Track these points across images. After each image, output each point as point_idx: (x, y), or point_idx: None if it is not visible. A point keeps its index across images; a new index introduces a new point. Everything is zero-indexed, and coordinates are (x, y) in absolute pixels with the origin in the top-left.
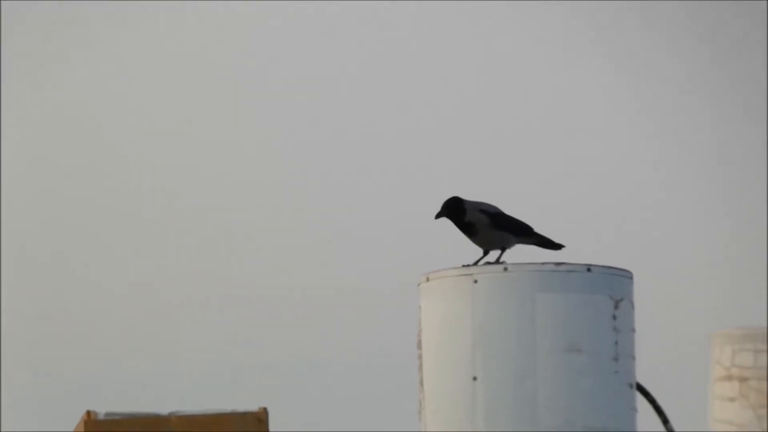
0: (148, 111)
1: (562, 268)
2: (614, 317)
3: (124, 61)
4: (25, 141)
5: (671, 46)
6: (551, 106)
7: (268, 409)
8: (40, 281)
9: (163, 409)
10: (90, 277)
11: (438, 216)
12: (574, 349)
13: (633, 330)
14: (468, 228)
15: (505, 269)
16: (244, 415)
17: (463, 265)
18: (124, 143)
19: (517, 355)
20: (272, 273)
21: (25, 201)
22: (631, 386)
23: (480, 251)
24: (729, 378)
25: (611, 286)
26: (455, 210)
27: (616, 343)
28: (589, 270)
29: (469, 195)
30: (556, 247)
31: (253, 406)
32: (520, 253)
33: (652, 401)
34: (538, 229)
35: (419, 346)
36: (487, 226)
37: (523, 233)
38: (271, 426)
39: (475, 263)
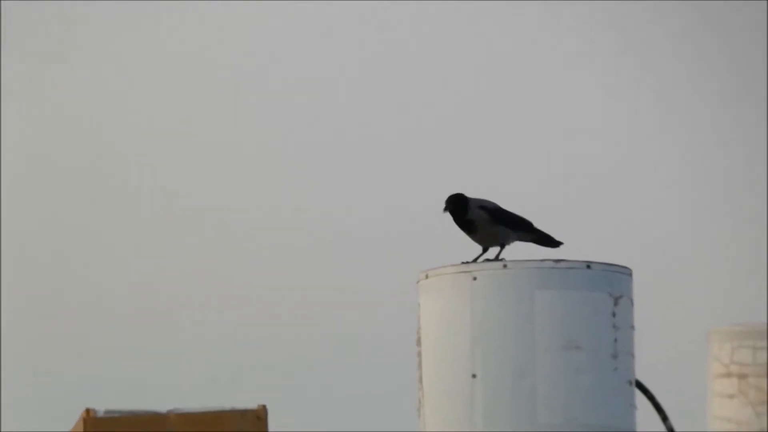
0: (148, 111)
1: (562, 265)
2: (613, 314)
3: (124, 61)
4: (25, 141)
5: (671, 46)
6: (551, 105)
7: (268, 409)
8: (40, 281)
9: (163, 409)
10: (90, 277)
11: (445, 209)
12: (573, 347)
13: (632, 327)
14: (468, 225)
15: (505, 266)
16: (243, 413)
17: (463, 262)
18: (124, 143)
19: (516, 353)
20: (272, 273)
21: (25, 201)
22: (630, 383)
23: (479, 249)
24: (728, 375)
25: (610, 283)
26: (460, 205)
27: (616, 340)
28: (588, 267)
29: (469, 194)
30: (555, 244)
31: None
32: (519, 250)
33: (651, 398)
34: (539, 226)
35: (418, 343)
36: (487, 222)
37: (523, 228)
38: (271, 426)
39: (474, 260)
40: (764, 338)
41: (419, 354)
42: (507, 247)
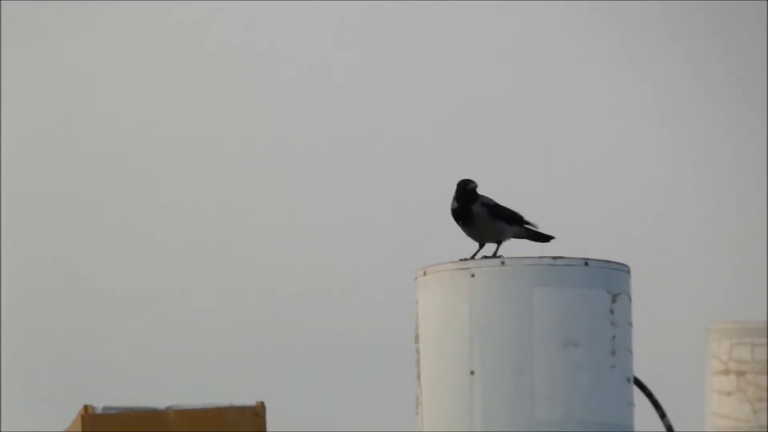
0: (148, 111)
1: (560, 262)
2: (611, 311)
3: (124, 61)
4: (25, 141)
5: (674, 46)
6: (553, 104)
7: (267, 408)
8: (40, 281)
9: (162, 405)
10: (90, 277)
11: (457, 199)
12: (571, 343)
13: (630, 324)
14: (468, 217)
15: (503, 263)
16: (242, 410)
17: (461, 259)
18: (124, 143)
19: (514, 349)
20: (272, 273)
21: (25, 201)
22: (628, 380)
23: (476, 246)
24: (726, 372)
25: (608, 280)
26: (469, 198)
27: (614, 337)
28: (586, 264)
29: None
30: (546, 238)
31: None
32: (516, 247)
33: (649, 395)
34: (537, 222)
35: (416, 340)
36: (486, 217)
37: (516, 222)
38: (271, 425)
39: (472, 257)
40: (763, 335)
41: (417, 351)
42: (503, 244)
